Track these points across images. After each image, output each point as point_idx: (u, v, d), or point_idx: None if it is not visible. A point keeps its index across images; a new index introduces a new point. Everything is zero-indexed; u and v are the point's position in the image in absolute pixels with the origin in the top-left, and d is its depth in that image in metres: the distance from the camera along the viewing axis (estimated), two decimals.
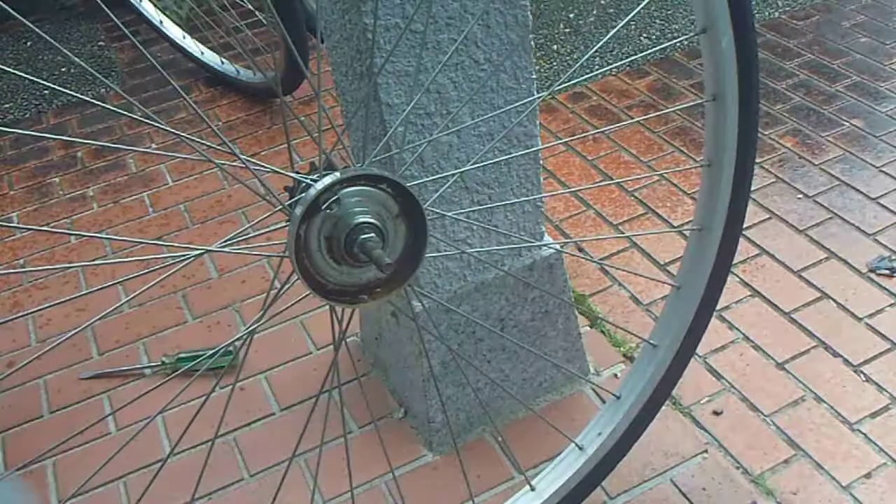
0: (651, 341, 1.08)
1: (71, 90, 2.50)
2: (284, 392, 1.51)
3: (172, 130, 0.72)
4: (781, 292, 1.60)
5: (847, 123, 2.01)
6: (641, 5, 0.92)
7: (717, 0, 0.78)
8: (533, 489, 1.13)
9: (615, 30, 0.92)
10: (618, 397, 1.12)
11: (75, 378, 1.58)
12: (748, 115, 0.85)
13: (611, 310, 1.61)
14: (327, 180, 0.63)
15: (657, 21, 2.50)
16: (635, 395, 1.09)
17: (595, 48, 0.92)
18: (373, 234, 0.63)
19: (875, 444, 1.32)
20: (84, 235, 1.99)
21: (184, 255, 0.76)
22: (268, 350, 1.57)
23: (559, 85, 0.88)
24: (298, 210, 0.63)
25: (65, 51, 0.66)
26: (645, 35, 2.44)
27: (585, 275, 1.70)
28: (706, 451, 1.34)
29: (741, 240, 1.71)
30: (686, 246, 1.02)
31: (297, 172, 0.67)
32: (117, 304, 1.67)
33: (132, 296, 1.18)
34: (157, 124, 0.78)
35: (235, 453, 1.41)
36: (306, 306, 1.64)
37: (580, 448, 1.13)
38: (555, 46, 2.46)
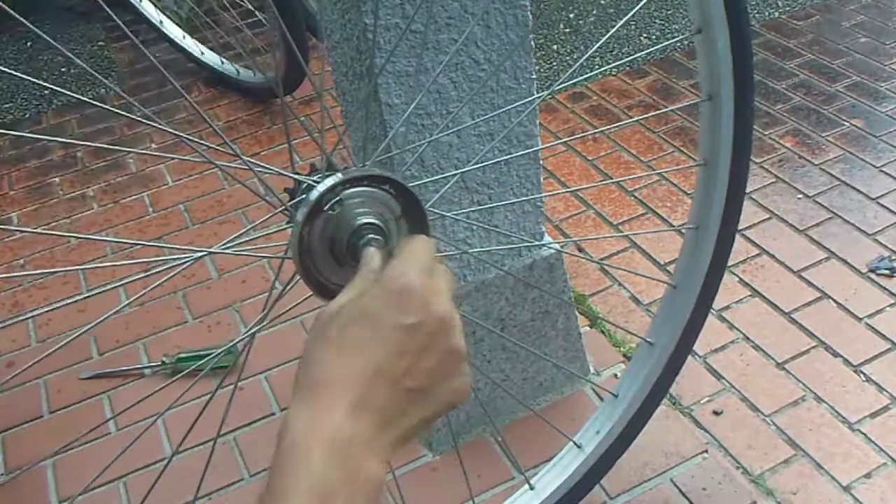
0: (648, 339, 1.07)
1: (71, 90, 2.51)
2: (284, 392, 1.51)
3: (171, 130, 0.72)
4: (781, 292, 1.60)
5: (847, 123, 2.01)
6: (640, 4, 0.92)
7: (713, 0, 0.78)
8: (532, 488, 1.12)
9: (614, 29, 0.92)
10: (615, 396, 1.12)
11: (75, 378, 1.58)
12: (743, 114, 0.85)
13: (611, 310, 1.61)
14: (329, 181, 0.62)
15: (657, 21, 2.50)
16: (633, 392, 1.09)
17: (594, 48, 0.92)
18: (377, 236, 0.62)
19: (875, 444, 1.32)
20: (85, 238, 2.00)
21: (185, 258, 0.76)
22: (268, 350, 1.57)
23: (559, 85, 0.88)
24: (301, 212, 0.62)
25: (68, 53, 0.66)
26: (645, 35, 2.44)
27: (585, 275, 1.70)
28: (706, 451, 1.34)
29: (741, 240, 1.72)
30: (682, 245, 1.02)
31: (298, 173, 0.66)
32: (118, 307, 1.67)
33: (133, 298, 1.18)
34: (156, 124, 0.78)
35: (235, 453, 1.41)
36: (306, 306, 1.63)
37: (578, 447, 1.13)
38: (555, 46, 2.46)
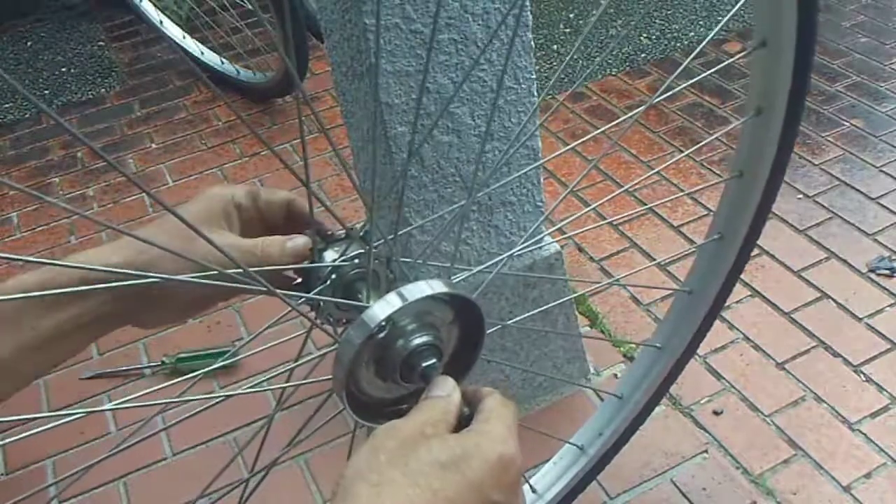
0: (657, 344, 1.07)
1: (70, 90, 2.50)
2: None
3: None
4: (781, 292, 1.60)
5: (847, 123, 2.01)
6: (738, 5, 0.87)
7: (786, 14, 0.74)
8: (534, 491, 1.12)
9: (718, 26, 0.90)
10: (620, 397, 1.11)
11: (75, 378, 1.58)
12: (792, 127, 0.82)
13: (611, 310, 1.61)
14: (384, 311, 0.53)
15: (657, 21, 2.50)
16: (639, 395, 1.09)
17: (718, 27, 0.87)
18: (434, 360, 0.55)
19: (875, 444, 1.32)
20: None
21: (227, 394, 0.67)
22: (268, 350, 1.57)
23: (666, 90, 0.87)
24: (348, 350, 0.53)
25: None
26: (645, 35, 2.44)
27: (585, 275, 1.70)
28: (706, 451, 1.34)
29: None
30: (700, 253, 1.01)
31: (348, 300, 0.58)
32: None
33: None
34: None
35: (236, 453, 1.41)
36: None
37: (580, 448, 1.13)
38: (555, 46, 2.46)
